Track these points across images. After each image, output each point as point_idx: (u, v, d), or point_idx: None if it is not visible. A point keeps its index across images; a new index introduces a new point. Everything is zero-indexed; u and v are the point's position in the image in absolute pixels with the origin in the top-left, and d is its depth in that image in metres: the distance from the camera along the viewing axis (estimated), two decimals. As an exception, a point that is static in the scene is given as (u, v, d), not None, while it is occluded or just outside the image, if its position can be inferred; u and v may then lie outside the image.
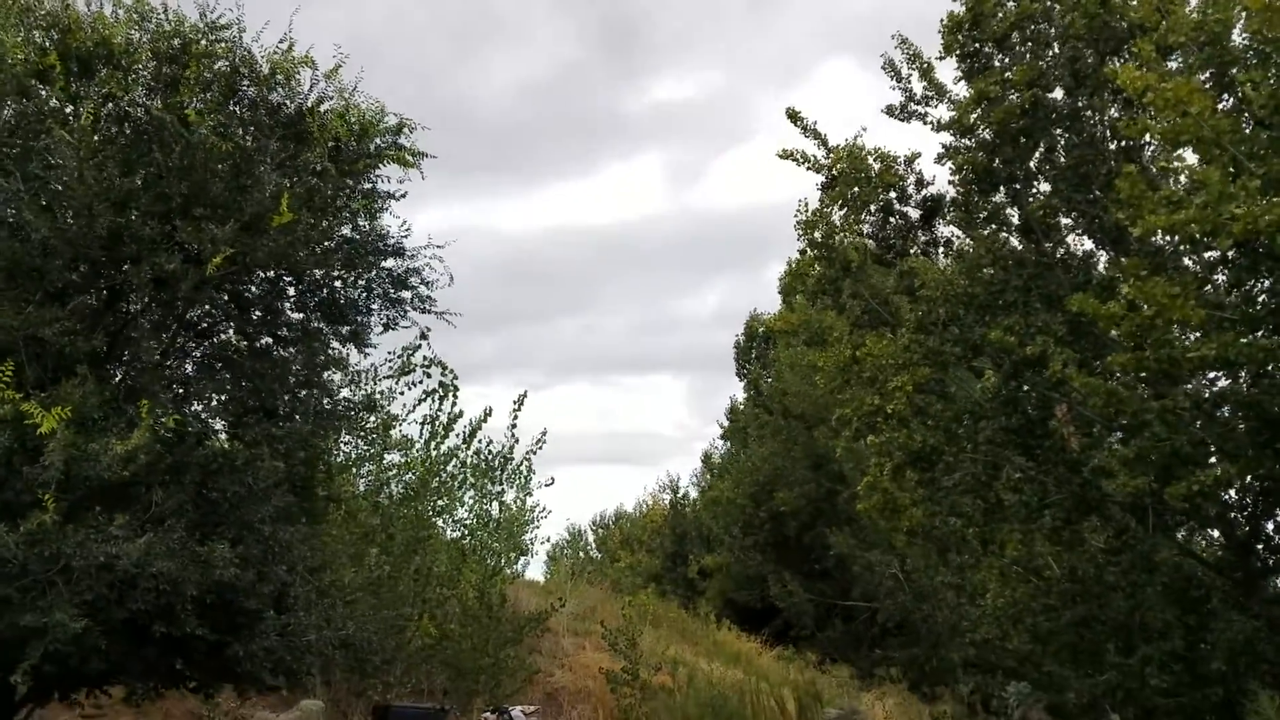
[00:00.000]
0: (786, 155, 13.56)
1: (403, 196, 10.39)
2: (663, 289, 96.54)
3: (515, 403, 15.09)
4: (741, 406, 27.61)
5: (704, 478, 31.53)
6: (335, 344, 10.74)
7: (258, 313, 10.08)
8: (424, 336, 10.86)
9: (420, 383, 13.40)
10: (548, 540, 19.40)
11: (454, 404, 13.74)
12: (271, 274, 10.07)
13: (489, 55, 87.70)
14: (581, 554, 38.81)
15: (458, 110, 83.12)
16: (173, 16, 9.57)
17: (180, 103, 9.13)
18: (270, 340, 10.02)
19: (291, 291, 10.37)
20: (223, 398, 9.48)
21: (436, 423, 13.67)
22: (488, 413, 14.02)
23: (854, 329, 13.39)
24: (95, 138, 8.82)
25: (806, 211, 13.37)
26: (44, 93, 8.70)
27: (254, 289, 9.94)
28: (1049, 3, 12.56)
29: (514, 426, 15.14)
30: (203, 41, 9.57)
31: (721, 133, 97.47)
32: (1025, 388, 12.01)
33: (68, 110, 8.74)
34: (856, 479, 14.31)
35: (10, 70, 8.21)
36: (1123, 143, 12.21)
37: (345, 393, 10.97)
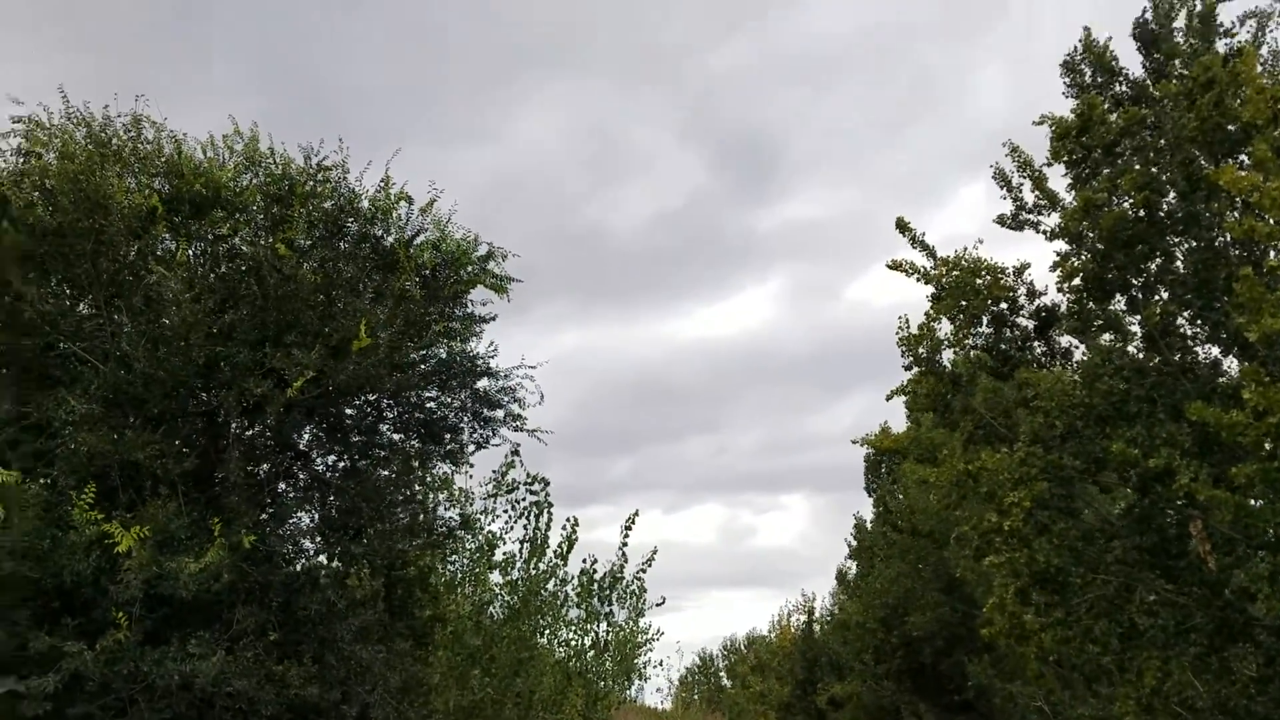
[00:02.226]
0: (895, 266, 13.33)
1: (493, 319, 10.61)
2: (796, 407, 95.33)
3: (627, 522, 14.98)
4: (869, 525, 26.65)
5: (838, 597, 30.41)
6: (435, 463, 10.94)
7: (356, 436, 10.31)
8: (516, 453, 10.93)
9: (523, 500, 13.47)
10: (660, 665, 18.79)
11: (548, 521, 13.70)
12: (372, 397, 10.37)
13: (623, 185, 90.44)
14: (709, 680, 37.70)
15: (593, 238, 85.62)
16: (280, 160, 10.15)
17: (290, 240, 9.61)
18: (367, 461, 10.20)
19: (390, 414, 10.63)
20: (314, 517, 9.66)
21: (535, 541, 13.63)
22: (575, 523, 13.89)
23: (968, 444, 12.82)
24: (205, 273, 9.39)
25: (908, 328, 13.02)
26: (156, 235, 9.26)
27: (351, 412, 10.20)
28: (1160, 107, 12.16)
29: (624, 545, 14.98)
30: (309, 184, 10.08)
31: (854, 251, 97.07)
32: (1159, 504, 11.28)
33: (175, 249, 9.28)
34: (985, 601, 13.54)
35: (121, 214, 8.80)
36: (1243, 251, 11.59)
37: (443, 511, 11.10)
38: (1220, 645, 10.86)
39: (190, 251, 9.56)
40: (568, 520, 14.04)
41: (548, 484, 13.74)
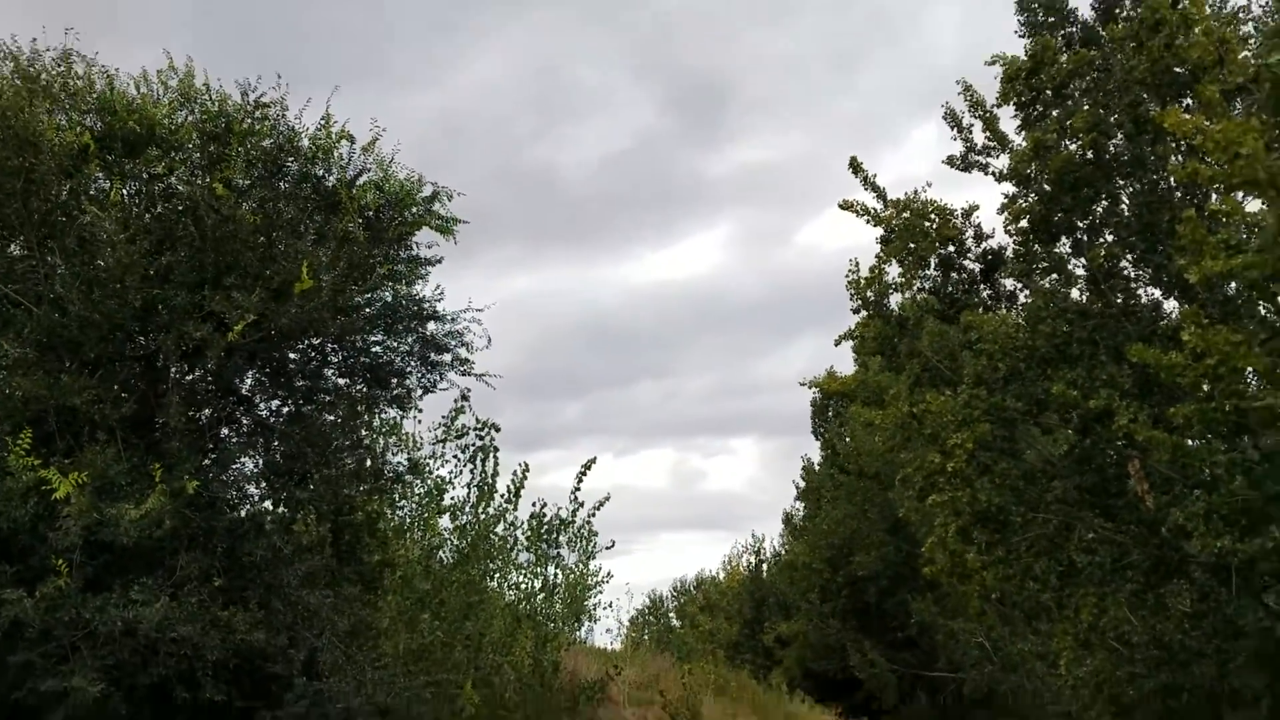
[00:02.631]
0: (847, 206, 13.41)
1: (439, 261, 10.55)
2: (746, 351, 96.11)
3: (583, 467, 15.06)
4: (817, 467, 27.06)
5: (787, 539, 30.93)
6: (381, 408, 10.93)
7: (300, 380, 10.24)
8: (465, 398, 10.95)
9: (471, 445, 13.49)
10: (609, 607, 19.03)
11: (495, 465, 13.77)
12: (316, 341, 10.29)
13: (573, 126, 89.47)
14: (659, 620, 38.32)
15: (542, 181, 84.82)
16: (217, 96, 9.92)
17: (227, 179, 9.43)
18: (312, 406, 10.15)
19: (335, 359, 10.57)
20: (258, 462, 9.62)
21: (483, 485, 13.68)
22: (525, 469, 13.98)
23: (913, 387, 13.01)
24: (140, 213, 9.21)
25: (858, 271, 13.12)
26: (88, 174, 9.04)
27: (294, 356, 10.12)
28: (1108, 49, 12.26)
29: (577, 490, 15.08)
30: (246, 121, 9.88)
31: (805, 195, 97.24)
32: (1099, 444, 11.56)
33: (108, 189, 9.08)
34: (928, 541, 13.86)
35: (53, 152, 8.58)
36: (1187, 194, 11.79)
37: (391, 456, 11.11)
38: (1156, 582, 11.18)
39: (124, 191, 9.35)
40: (519, 466, 14.12)
41: (498, 429, 13.75)
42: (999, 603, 14.20)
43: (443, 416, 13.56)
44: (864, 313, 13.11)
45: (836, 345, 13.90)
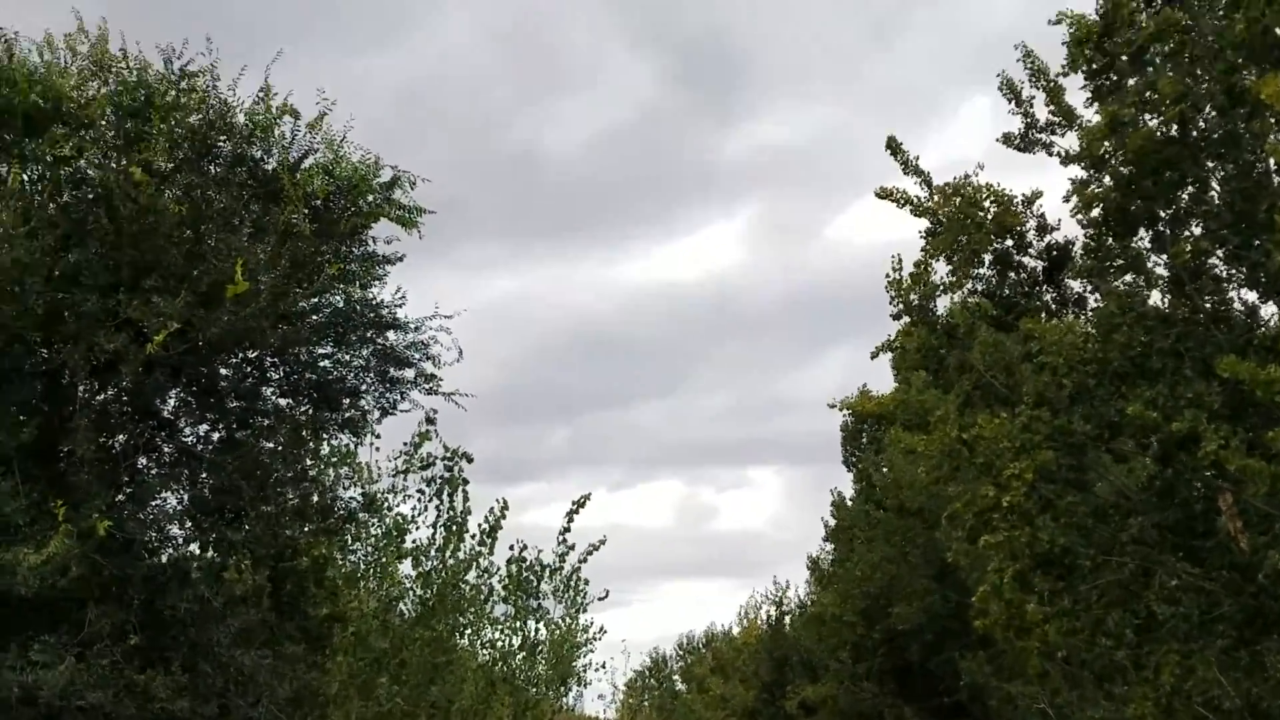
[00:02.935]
0: (885, 195, 13.47)
1: (400, 260, 10.56)
2: (767, 365, 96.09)
3: (574, 504, 15.13)
4: (849, 502, 27.14)
5: (814, 587, 30.99)
6: (331, 434, 10.96)
7: (234, 401, 10.25)
8: (431, 422, 10.96)
9: (439, 477, 13.54)
10: (603, 667, 18.89)
11: (466, 501, 13.83)
12: (252, 354, 10.31)
13: (559, 101, 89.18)
14: (661, 684, 38.48)
15: (524, 166, 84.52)
16: (135, 64, 9.94)
17: (147, 162, 9.45)
18: (247, 431, 10.17)
19: (275, 375, 10.59)
20: (183, 498, 9.64)
21: (451, 524, 13.72)
22: (503, 506, 14.04)
23: (964, 407, 13.02)
24: (44, 203, 9.21)
25: (900, 269, 13.17)
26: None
27: (227, 372, 10.14)
28: (1196, 7, 12.24)
29: (566, 532, 15.14)
30: (170, 93, 9.90)
31: (836, 181, 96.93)
32: (1183, 475, 11.57)
33: (6, 174, 9.09)
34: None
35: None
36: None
37: (342, 490, 11.15)
38: (1251, 637, 11.20)
39: (25, 176, 9.37)
40: (495, 502, 14.18)
41: (470, 459, 13.81)
42: (1065, 662, 14.25)
43: (404, 444, 13.59)
44: (906, 319, 13.18)
45: (873, 358, 13.98)
